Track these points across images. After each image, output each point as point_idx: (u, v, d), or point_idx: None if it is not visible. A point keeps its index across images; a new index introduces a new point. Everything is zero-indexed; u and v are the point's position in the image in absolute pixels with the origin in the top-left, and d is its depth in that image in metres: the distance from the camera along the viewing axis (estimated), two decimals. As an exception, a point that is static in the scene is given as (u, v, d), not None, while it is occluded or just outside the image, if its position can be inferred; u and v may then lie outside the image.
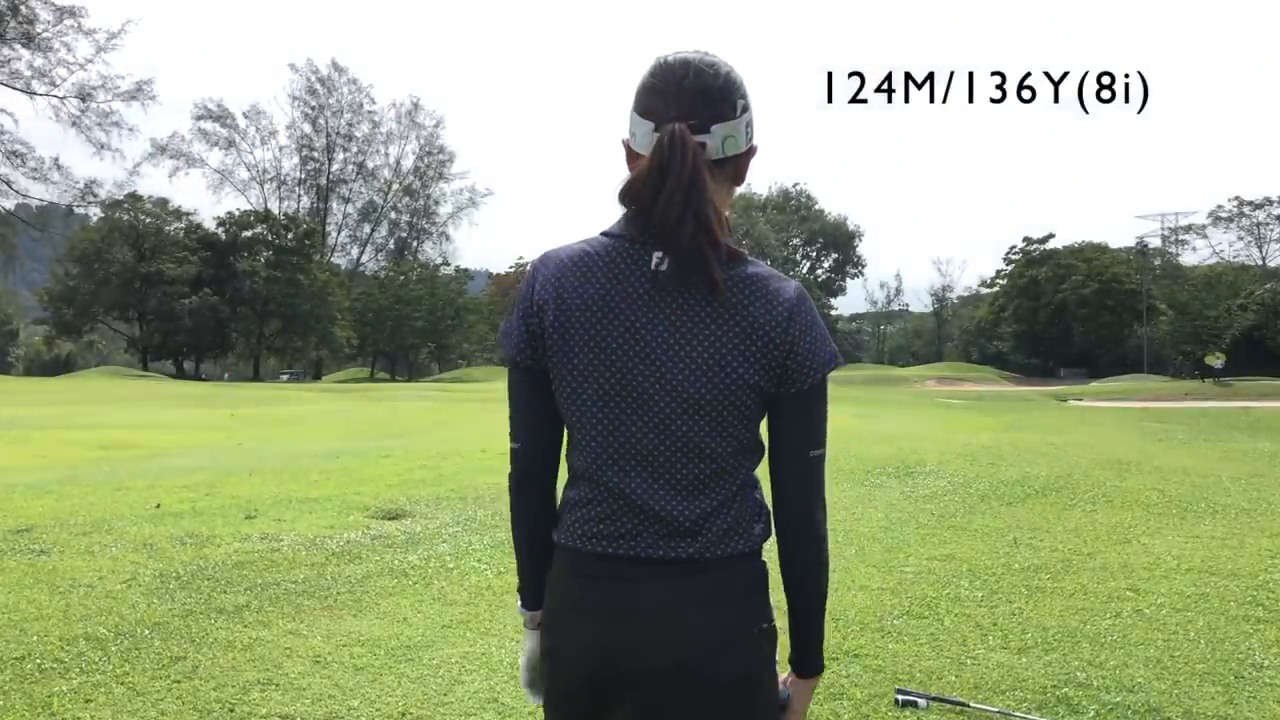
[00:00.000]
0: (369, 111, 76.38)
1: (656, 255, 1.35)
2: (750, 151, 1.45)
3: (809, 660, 1.50)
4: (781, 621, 1.46)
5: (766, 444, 1.44)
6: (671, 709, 1.37)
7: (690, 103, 1.36)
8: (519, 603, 1.58)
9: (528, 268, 1.47)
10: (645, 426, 1.36)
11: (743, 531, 1.40)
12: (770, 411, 1.41)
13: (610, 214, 1.50)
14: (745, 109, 1.41)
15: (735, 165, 1.43)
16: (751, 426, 1.39)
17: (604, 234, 1.43)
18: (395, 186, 79.13)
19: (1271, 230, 74.61)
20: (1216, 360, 50.57)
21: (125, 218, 57.65)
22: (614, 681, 1.39)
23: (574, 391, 1.39)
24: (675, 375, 1.34)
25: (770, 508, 1.46)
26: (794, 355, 1.37)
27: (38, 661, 3.92)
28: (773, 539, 1.47)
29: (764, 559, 1.45)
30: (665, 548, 1.37)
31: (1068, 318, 68.01)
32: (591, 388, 1.38)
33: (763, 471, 1.46)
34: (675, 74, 1.38)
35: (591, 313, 1.36)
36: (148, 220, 58.58)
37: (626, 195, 1.38)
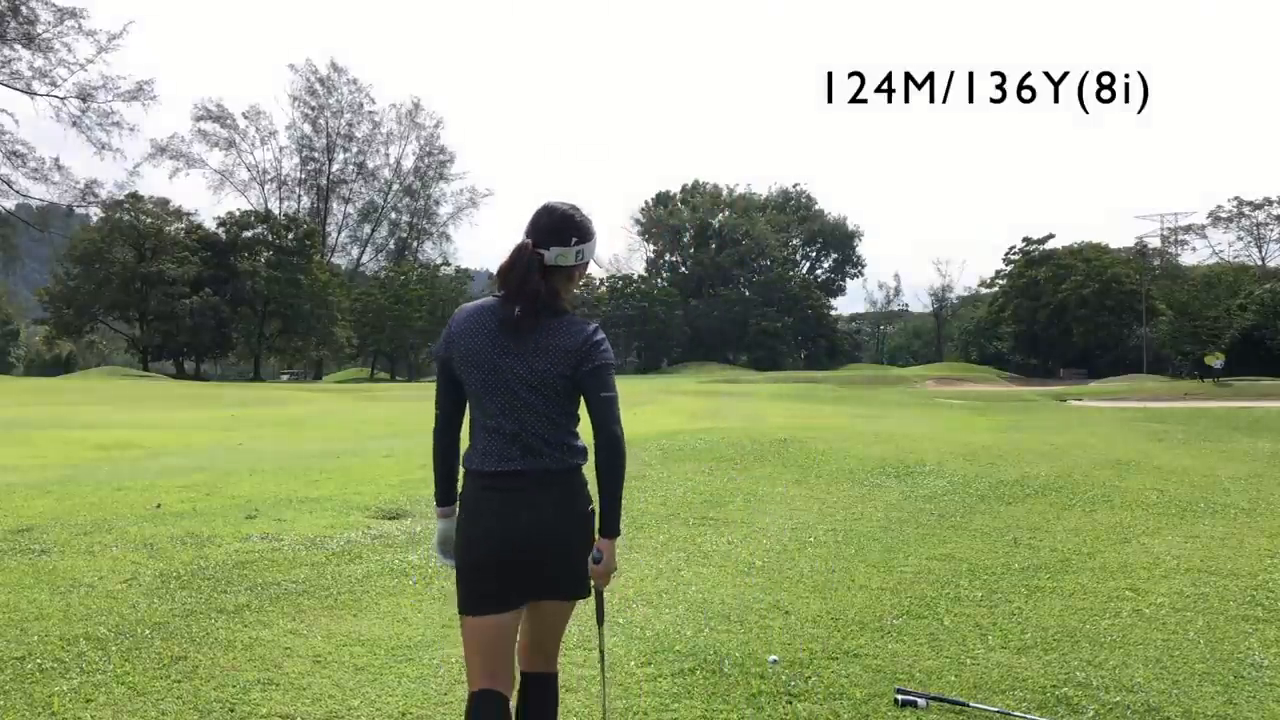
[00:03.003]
0: (369, 112, 76.57)
1: (516, 308, 2.46)
2: (581, 265, 2.57)
3: (613, 527, 2.49)
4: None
5: (584, 413, 2.48)
6: (546, 564, 2.49)
7: (545, 232, 2.52)
8: (435, 503, 2.72)
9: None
10: (508, 396, 2.48)
11: (575, 455, 2.53)
12: (581, 385, 2.47)
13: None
14: (579, 243, 2.54)
15: (569, 271, 2.55)
16: (566, 400, 2.50)
17: (493, 295, 2.56)
18: (395, 187, 79.27)
19: (1271, 230, 74.47)
20: (1216, 360, 50.53)
21: (126, 218, 57.54)
22: (508, 550, 2.46)
23: (469, 378, 2.52)
24: (521, 369, 2.46)
25: (586, 447, 2.54)
26: (586, 354, 2.47)
27: (38, 661, 3.93)
28: (591, 462, 2.51)
29: (584, 475, 2.55)
30: (529, 463, 2.48)
31: (1067, 318, 67.83)
32: (479, 375, 2.50)
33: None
34: (544, 214, 2.55)
35: (478, 336, 2.51)
36: (148, 220, 58.45)
37: (497, 278, 2.52)
